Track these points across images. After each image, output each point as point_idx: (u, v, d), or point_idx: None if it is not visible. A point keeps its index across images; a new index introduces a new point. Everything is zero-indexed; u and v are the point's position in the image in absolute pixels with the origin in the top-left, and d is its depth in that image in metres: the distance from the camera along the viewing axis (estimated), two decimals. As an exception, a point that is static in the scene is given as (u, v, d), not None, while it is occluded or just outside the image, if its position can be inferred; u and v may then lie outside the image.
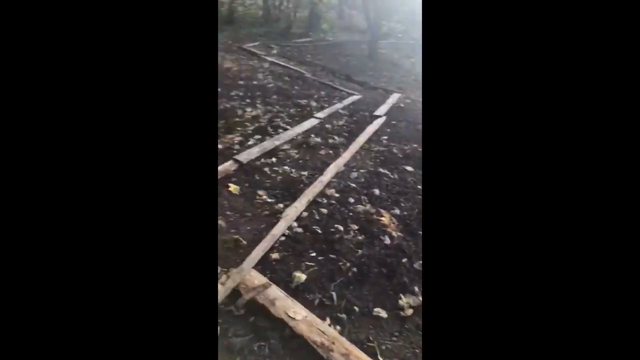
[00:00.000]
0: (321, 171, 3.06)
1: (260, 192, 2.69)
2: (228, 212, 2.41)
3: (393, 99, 5.46)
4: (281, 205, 2.53)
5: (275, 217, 2.39)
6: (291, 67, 6.65)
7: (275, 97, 4.91)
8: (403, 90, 6.16)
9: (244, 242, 2.11)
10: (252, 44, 8.19)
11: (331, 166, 3.12)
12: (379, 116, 4.58)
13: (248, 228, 2.28)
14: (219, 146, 3.29)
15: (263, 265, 1.96)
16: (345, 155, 3.36)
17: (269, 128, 3.85)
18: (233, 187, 2.68)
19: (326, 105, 4.83)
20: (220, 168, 2.86)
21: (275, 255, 2.04)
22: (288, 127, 3.95)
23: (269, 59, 7.05)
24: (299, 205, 2.48)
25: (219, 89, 4.89)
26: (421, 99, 5.76)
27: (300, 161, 3.25)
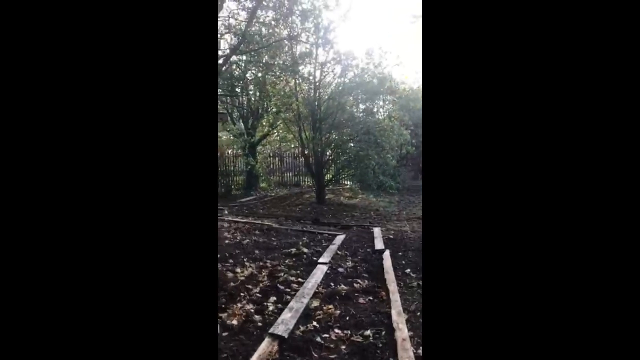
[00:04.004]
0: (390, 327, 2.27)
1: (335, 377, 1.76)
2: None
3: (377, 232, 5.14)
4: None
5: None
6: (254, 222, 6.14)
7: (257, 251, 4.18)
8: (376, 224, 5.97)
9: None
10: (199, 208, 7.65)
11: (394, 315, 2.36)
12: (383, 250, 4.10)
13: None
14: (234, 322, 2.33)
15: None
16: (395, 298, 2.65)
17: (278, 285, 3.02)
18: (297, 380, 1.71)
19: (319, 249, 4.23)
20: (256, 354, 1.89)
21: None
22: (300, 279, 3.17)
23: (226, 218, 6.49)
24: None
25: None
26: (403, 229, 5.56)
27: (349, 319, 2.43)
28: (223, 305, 2.64)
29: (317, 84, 8.53)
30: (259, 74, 8.82)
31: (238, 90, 9.09)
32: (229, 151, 12.36)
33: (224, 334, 2.22)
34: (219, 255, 3.97)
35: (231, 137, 10.58)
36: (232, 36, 7.49)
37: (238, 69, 8.85)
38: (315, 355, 1.96)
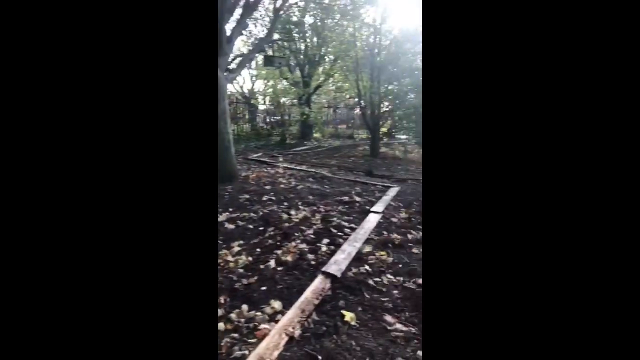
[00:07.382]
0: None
1: (387, 317, 1.76)
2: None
3: (434, 187, 4.94)
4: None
5: None
6: (308, 169, 6.20)
7: (311, 197, 4.24)
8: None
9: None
10: (255, 155, 7.89)
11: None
12: (439, 204, 3.95)
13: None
14: (288, 258, 2.41)
15: None
16: (451, 250, 2.55)
17: (331, 229, 3.05)
18: (349, 316, 1.74)
19: (372, 199, 4.19)
20: (310, 288, 1.95)
21: None
22: (353, 225, 3.17)
23: (281, 165, 6.63)
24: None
25: (247, 196, 4.19)
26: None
27: (402, 266, 2.40)
28: (278, 243, 2.75)
29: (378, 28, 7.98)
30: (318, 19, 8.44)
31: (296, 35, 8.82)
32: (284, 100, 12.38)
33: (279, 268, 2.31)
34: (274, 198, 4.09)
35: (287, 86, 10.50)
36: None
37: (295, 14, 8.52)
38: (367, 296, 1.98)
